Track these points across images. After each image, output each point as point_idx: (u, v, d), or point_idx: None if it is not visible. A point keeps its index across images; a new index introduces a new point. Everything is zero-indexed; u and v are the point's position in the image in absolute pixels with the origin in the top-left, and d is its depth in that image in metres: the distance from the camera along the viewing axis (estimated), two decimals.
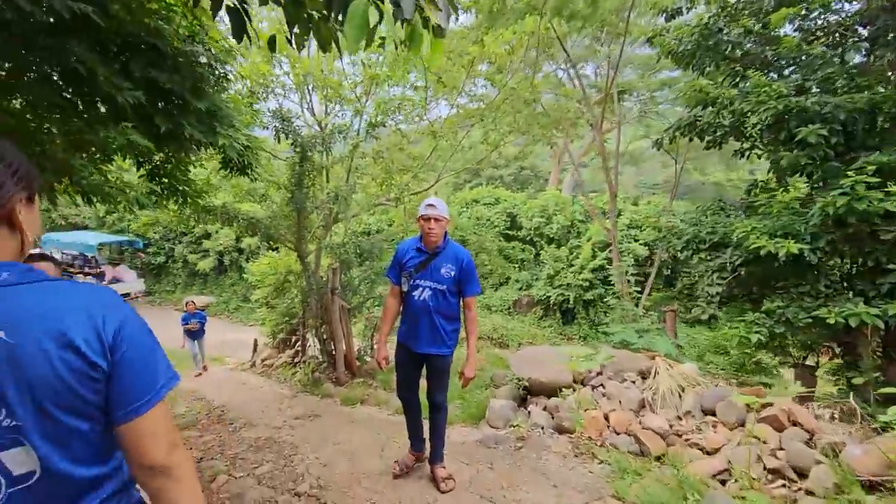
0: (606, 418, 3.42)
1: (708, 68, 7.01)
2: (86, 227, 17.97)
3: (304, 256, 6.34)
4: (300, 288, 6.70)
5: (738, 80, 6.56)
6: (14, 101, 2.98)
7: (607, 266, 15.62)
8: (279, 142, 4.89)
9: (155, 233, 17.09)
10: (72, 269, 13.82)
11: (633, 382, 3.71)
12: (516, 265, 15.61)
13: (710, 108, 6.45)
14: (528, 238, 16.35)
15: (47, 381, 0.69)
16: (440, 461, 2.99)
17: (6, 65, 2.74)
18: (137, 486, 0.86)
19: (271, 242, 10.47)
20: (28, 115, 2.94)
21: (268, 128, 4.64)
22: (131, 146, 3.00)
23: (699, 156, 20.51)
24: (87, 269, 13.82)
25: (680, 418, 3.29)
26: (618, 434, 3.28)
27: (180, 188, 4.18)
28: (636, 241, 16.50)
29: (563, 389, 3.84)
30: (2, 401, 0.67)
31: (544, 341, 13.61)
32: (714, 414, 3.21)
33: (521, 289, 15.52)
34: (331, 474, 3.24)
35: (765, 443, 2.73)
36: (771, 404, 3.00)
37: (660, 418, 3.22)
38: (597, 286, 14.62)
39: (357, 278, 6.77)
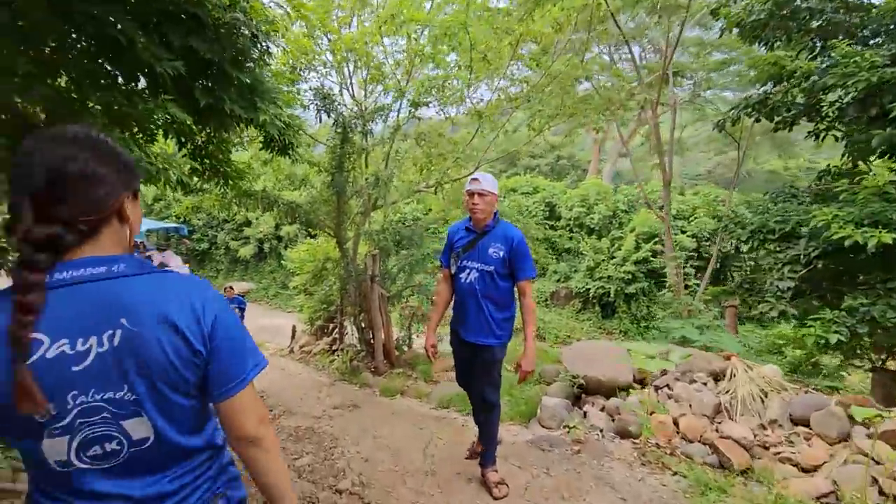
0: (675, 423, 3.07)
1: (778, 42, 6.37)
2: None
3: (343, 243, 6.20)
4: (338, 275, 6.58)
5: (815, 53, 5.92)
6: (60, 80, 2.90)
7: (651, 258, 14.94)
8: (320, 121, 4.72)
9: (198, 220, 17.58)
10: None
11: (705, 385, 3.33)
12: (556, 256, 15.12)
13: (783, 84, 5.85)
14: (566, 228, 15.81)
15: (159, 363, 0.78)
16: (492, 465, 2.75)
17: (51, 43, 2.63)
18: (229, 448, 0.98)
19: (310, 229, 10.48)
20: (74, 95, 2.84)
21: (308, 107, 4.48)
22: (172, 121, 2.87)
23: (750, 143, 19.23)
24: (135, 254, 14.32)
25: (764, 427, 2.90)
26: (689, 442, 2.94)
27: (222, 169, 4.07)
28: (683, 232, 15.69)
29: (623, 390, 3.51)
30: (125, 378, 0.77)
31: (582, 335, 13.14)
32: (806, 424, 2.81)
33: (558, 280, 15.04)
34: (373, 471, 3.06)
35: (879, 464, 2.33)
36: (880, 416, 2.57)
37: (742, 427, 2.85)
38: (640, 279, 13.99)
39: (395, 266, 6.59)
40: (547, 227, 15.25)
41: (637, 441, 3.05)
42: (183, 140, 3.74)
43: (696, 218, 15.19)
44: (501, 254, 2.51)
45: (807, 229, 5.12)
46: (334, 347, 6.80)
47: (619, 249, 14.16)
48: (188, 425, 0.86)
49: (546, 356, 4.94)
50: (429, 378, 5.21)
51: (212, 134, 3.99)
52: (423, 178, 6.69)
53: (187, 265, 16.35)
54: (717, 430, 2.91)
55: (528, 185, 17.53)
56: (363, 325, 6.15)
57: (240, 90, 3.25)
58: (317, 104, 4.56)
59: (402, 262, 6.47)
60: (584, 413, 3.43)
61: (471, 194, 2.51)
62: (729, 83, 15.83)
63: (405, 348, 6.37)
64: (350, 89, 5.78)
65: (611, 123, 13.99)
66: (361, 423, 3.99)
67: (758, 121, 6.27)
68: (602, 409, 3.40)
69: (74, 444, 0.77)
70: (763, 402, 3.02)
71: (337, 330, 6.98)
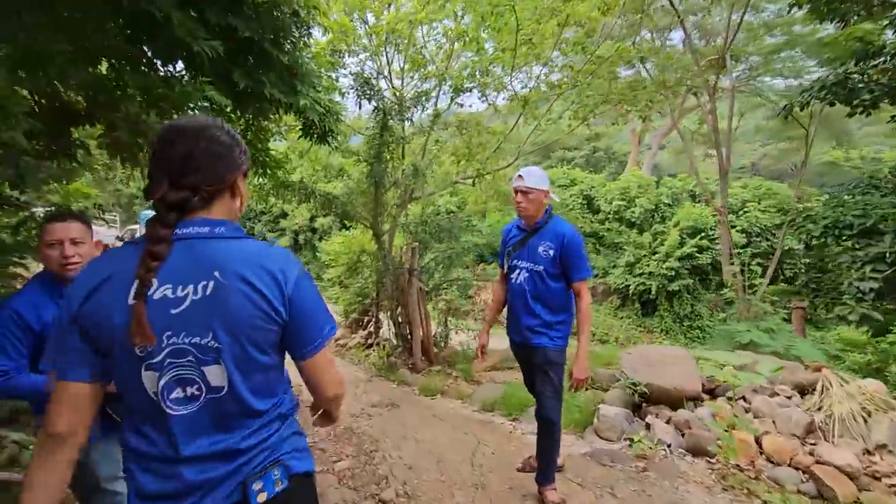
0: (758, 443, 2.72)
1: (856, 17, 5.75)
2: None
3: (380, 235, 6.03)
4: (374, 268, 6.43)
5: None
6: (101, 67, 2.80)
7: (697, 254, 14.20)
8: (360, 107, 4.52)
9: None
10: None
11: (789, 399, 2.95)
12: (596, 251, 14.57)
13: (861, 65, 5.24)
14: (605, 222, 15.21)
15: (241, 316, 0.86)
16: (551, 483, 2.48)
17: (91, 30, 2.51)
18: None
19: (345, 221, 10.39)
20: (114, 82, 2.71)
21: (346, 94, 4.28)
22: (210, 105, 2.71)
23: (800, 134, 17.88)
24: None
25: (870, 453, 2.52)
26: (776, 465, 2.58)
27: (260, 158, 3.94)
28: (732, 227, 14.84)
29: (691, 400, 3.16)
30: (211, 326, 0.85)
31: (621, 333, 12.62)
32: None
33: (596, 276, 14.50)
34: (418, 480, 2.85)
35: None
36: None
37: (844, 451, 2.47)
38: (684, 276, 13.31)
39: (433, 260, 6.37)
40: (591, 219, 14.69)
41: (713, 461, 2.72)
42: None
43: (746, 212, 14.31)
44: (551, 252, 2.34)
45: (893, 224, 4.58)
46: (370, 342, 6.66)
47: (662, 244, 13.50)
48: (260, 385, 0.92)
49: (597, 358, 4.61)
50: (470, 378, 4.98)
51: (251, 121, 3.86)
52: (461, 169, 6.42)
53: None
54: (811, 454, 2.54)
55: (565, 178, 16.99)
56: (400, 319, 5.98)
57: (279, 73, 3.08)
58: (357, 89, 4.36)
59: (441, 256, 6.24)
60: (648, 425, 3.11)
61: (516, 192, 2.39)
62: (782, 69, 14.72)
63: (442, 345, 6.16)
64: (388, 77, 5.56)
65: (654, 113, 13.27)
66: (402, 425, 3.79)
67: (832, 104, 5.67)
68: (668, 422, 3.07)
69: (162, 383, 0.85)
70: (866, 422, 2.63)
71: (372, 323, 6.84)
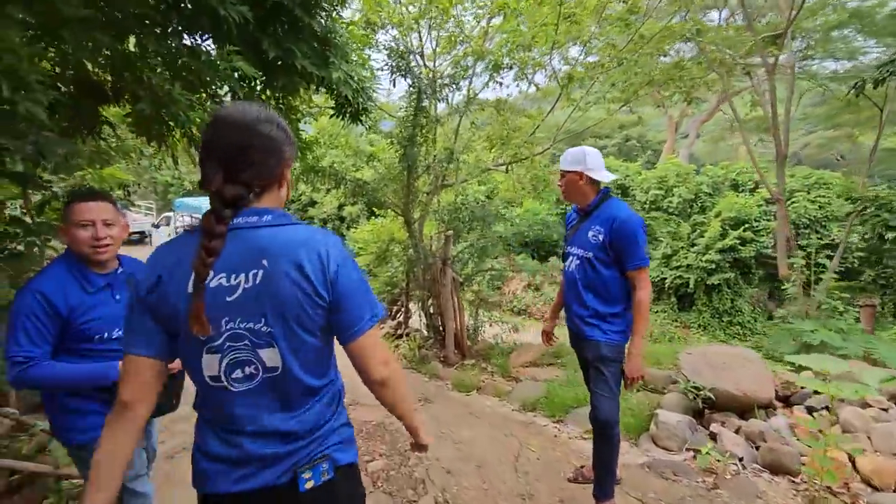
0: (851, 461, 2.37)
1: None
2: None
3: (412, 223, 5.79)
4: (405, 257, 6.22)
5: None
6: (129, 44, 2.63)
7: (740, 246, 13.47)
8: (394, 85, 4.25)
9: None
10: None
11: (886, 411, 2.57)
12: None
13: None
14: (642, 211, 14.59)
15: (289, 300, 0.90)
16: (609, 498, 2.22)
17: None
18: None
19: (375, 209, 10.22)
20: (138, 63, 2.52)
21: (380, 71, 4.01)
22: (238, 78, 2.50)
23: (847, 121, 16.54)
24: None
25: None
26: (876, 489, 2.23)
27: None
28: (777, 218, 14.01)
29: (762, 408, 2.81)
30: (262, 312, 0.90)
31: (656, 328, 12.11)
32: None
33: None
34: (458, 487, 2.63)
35: None
36: None
37: None
38: (724, 269, 12.67)
39: (466, 250, 6.12)
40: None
41: (797, 481, 2.38)
42: None
43: (794, 202, 13.44)
44: (600, 237, 2.12)
45: None
46: (399, 332, 6.48)
47: (702, 236, 12.86)
48: (311, 365, 0.98)
49: (649, 357, 4.27)
50: (506, 373, 4.72)
51: (280, 99, 3.67)
52: (496, 156, 6.10)
53: None
54: None
55: None
56: (432, 310, 5.76)
57: (310, 42, 2.85)
58: (392, 65, 4.08)
59: (475, 246, 5.97)
60: (713, 435, 2.78)
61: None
62: (834, 50, 13.60)
63: (476, 338, 5.91)
64: (422, 55, 5.26)
65: (697, 98, 12.50)
66: (437, 423, 3.57)
67: None
68: (737, 432, 2.74)
69: (223, 364, 0.92)
70: None
71: (402, 314, 6.66)
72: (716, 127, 22.82)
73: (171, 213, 15.37)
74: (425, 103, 4.52)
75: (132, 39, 2.57)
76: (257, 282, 0.89)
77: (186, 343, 0.92)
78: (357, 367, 1.02)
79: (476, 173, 6.98)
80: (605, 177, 2.21)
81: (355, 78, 3.19)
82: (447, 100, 4.76)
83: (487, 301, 6.57)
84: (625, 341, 2.21)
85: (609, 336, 2.15)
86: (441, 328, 5.47)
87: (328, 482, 1.00)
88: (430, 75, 5.57)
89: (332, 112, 3.73)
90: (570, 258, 2.28)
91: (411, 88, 4.27)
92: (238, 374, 0.93)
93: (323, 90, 3.32)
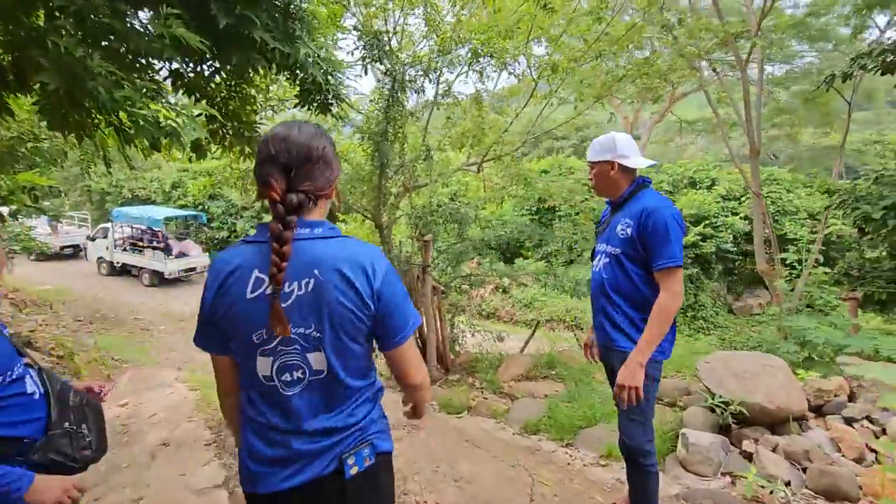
0: None
1: None
2: (153, 202, 18.13)
3: (383, 227, 5.32)
4: None
5: None
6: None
7: (701, 242, 13.86)
8: (365, 72, 3.78)
9: (217, 207, 16.93)
10: (140, 244, 13.73)
11: None
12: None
13: None
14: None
15: (337, 308, 0.97)
16: None
17: None
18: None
19: (338, 214, 9.58)
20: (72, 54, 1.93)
21: (350, 53, 3.54)
22: (177, 46, 1.96)
23: (783, 121, 17.52)
24: (154, 244, 13.67)
25: None
26: None
27: (245, 133, 3.20)
28: (734, 214, 14.54)
29: (796, 420, 2.56)
30: (312, 318, 0.97)
31: None
32: None
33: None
34: None
35: None
36: None
37: None
38: (686, 265, 12.93)
39: (440, 256, 5.70)
40: None
41: None
42: (197, 95, 2.87)
43: (746, 198, 13.95)
44: (629, 231, 1.84)
45: None
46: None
47: None
48: (355, 369, 1.04)
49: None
50: (497, 389, 4.32)
51: (234, 87, 3.12)
52: (473, 154, 5.74)
53: (206, 254, 15.75)
54: None
55: (560, 167, 16.64)
56: None
57: (272, 14, 2.36)
58: (364, 49, 3.61)
59: (451, 251, 5.57)
60: (747, 454, 2.50)
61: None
62: (773, 54, 14.26)
63: (457, 350, 5.51)
64: (399, 38, 4.80)
65: (647, 101, 12.69)
66: (431, 455, 3.12)
67: (884, 73, 5.13)
68: (774, 450, 2.47)
69: (275, 366, 1.00)
70: None
71: None
72: (668, 129, 23.61)
73: (108, 225, 13.96)
74: (399, 95, 4.07)
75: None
76: (309, 290, 0.96)
77: (241, 345, 1.00)
78: (397, 372, 1.10)
79: (448, 173, 6.60)
80: (640, 163, 1.88)
81: (325, 58, 2.71)
82: (422, 90, 4.34)
83: (457, 306, 6.20)
84: (660, 356, 1.87)
85: (636, 342, 1.81)
86: (421, 342, 5.02)
87: (370, 468, 1.05)
88: (403, 64, 5.13)
89: (295, 103, 3.22)
90: (598, 256, 2.01)
91: (385, 77, 3.82)
92: (287, 377, 1.00)
93: (286, 74, 2.82)
